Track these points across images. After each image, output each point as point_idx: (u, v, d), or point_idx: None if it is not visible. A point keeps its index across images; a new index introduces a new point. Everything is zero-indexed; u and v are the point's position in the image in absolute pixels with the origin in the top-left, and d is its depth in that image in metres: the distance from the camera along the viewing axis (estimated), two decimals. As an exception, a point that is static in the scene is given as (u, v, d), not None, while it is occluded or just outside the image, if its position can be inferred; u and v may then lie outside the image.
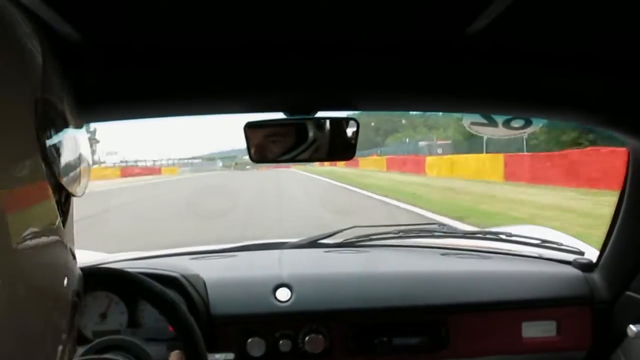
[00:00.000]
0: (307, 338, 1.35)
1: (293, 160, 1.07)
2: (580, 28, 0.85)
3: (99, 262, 1.55)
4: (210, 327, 1.32)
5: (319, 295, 1.41)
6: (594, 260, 1.46)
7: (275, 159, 1.08)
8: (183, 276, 1.33)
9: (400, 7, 0.78)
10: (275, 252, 1.67)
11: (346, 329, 1.39)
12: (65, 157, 0.46)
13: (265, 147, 1.06)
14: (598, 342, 1.40)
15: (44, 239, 0.39)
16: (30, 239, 0.36)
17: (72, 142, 0.49)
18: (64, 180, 0.46)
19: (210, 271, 1.46)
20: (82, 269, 0.98)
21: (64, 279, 0.43)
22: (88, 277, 0.97)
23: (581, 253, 1.54)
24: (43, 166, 0.41)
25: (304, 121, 1.06)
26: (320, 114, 1.06)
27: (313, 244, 1.75)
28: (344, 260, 1.67)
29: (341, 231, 1.82)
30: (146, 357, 1.05)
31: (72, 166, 0.49)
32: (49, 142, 0.43)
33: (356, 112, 1.29)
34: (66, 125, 0.48)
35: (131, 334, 1.28)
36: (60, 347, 0.41)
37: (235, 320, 1.36)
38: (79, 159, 0.51)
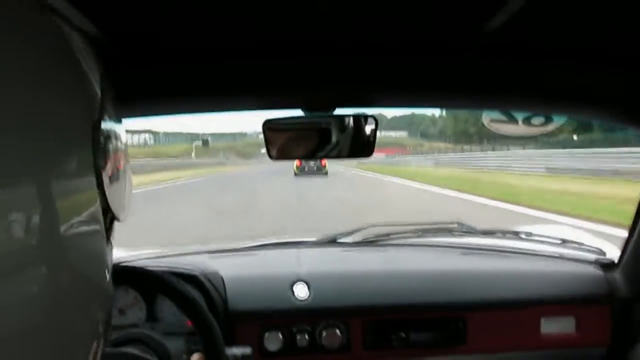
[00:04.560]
0: (324, 333, 1.36)
1: (311, 157, 1.08)
2: (600, 23, 0.84)
3: (119, 260, 1.57)
4: (228, 323, 1.33)
5: (337, 292, 1.42)
6: (616, 260, 1.45)
7: (294, 156, 1.08)
8: (202, 274, 1.35)
9: (418, 5, 0.78)
10: (294, 251, 1.67)
11: (364, 325, 1.39)
12: (114, 177, 0.44)
13: (284, 144, 1.07)
14: (617, 339, 1.38)
15: (89, 229, 0.39)
16: (77, 227, 0.36)
17: (120, 160, 0.47)
18: (111, 204, 0.43)
19: (229, 269, 1.47)
20: None
21: (106, 271, 0.42)
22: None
23: (602, 252, 1.53)
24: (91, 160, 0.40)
25: (322, 119, 1.06)
26: (338, 112, 1.06)
27: (331, 242, 1.74)
28: (363, 258, 1.67)
29: (359, 230, 1.81)
30: (164, 351, 1.07)
31: (120, 189, 0.46)
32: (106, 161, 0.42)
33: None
34: (116, 142, 0.46)
35: (150, 328, 1.30)
36: (96, 342, 0.41)
37: (253, 315, 1.37)
38: (125, 178, 0.49)
